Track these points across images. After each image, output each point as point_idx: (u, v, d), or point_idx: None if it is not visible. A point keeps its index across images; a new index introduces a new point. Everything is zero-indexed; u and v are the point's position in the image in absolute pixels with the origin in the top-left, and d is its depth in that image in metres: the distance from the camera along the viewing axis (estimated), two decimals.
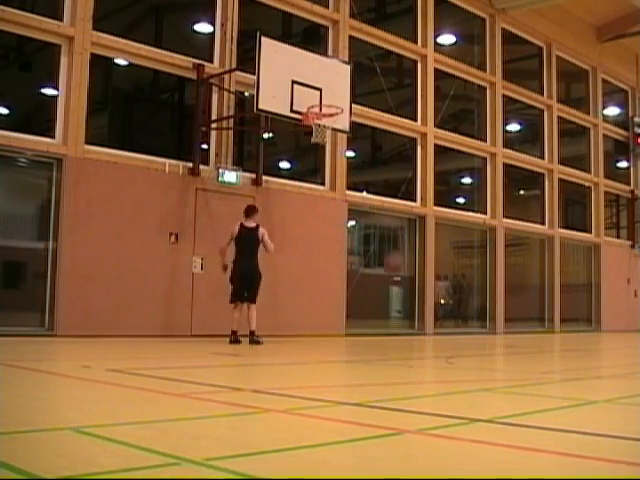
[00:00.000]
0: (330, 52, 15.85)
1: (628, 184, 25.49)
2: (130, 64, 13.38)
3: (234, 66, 14.24)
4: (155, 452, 3.09)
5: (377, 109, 17.02)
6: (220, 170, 13.68)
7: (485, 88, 20.18)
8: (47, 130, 12.25)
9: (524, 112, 22.22)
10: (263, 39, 12.24)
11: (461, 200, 20.82)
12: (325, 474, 2.90)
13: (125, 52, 13.12)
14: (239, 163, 14.29)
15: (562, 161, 22.42)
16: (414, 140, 18.13)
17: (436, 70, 18.46)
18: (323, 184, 15.88)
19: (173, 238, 13.16)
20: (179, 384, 5.89)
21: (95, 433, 3.51)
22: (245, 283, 11.68)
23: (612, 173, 24.88)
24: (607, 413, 4.98)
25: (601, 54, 23.92)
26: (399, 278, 18.48)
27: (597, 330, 23.06)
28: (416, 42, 18.16)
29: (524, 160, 21.33)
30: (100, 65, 13.01)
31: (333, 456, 3.24)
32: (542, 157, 21.98)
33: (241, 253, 11.77)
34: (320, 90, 12.67)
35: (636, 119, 25.52)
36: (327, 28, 16.24)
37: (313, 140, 12.44)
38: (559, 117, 22.43)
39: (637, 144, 25.36)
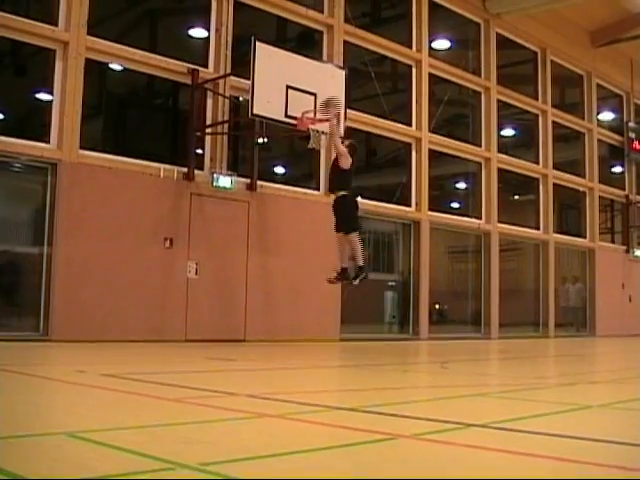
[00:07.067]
0: (325, 57, 15.87)
1: (623, 189, 25.55)
2: (125, 69, 13.38)
3: (229, 71, 14.25)
4: (149, 457, 3.09)
5: (372, 114, 17.04)
6: (215, 175, 13.68)
7: (480, 93, 20.22)
8: (42, 135, 12.23)
9: (519, 117, 22.27)
10: (258, 44, 12.25)
11: (456, 205, 20.84)
12: (320, 479, 2.89)
13: (120, 57, 13.12)
14: (234, 168, 14.29)
15: (557, 166, 22.46)
16: (409, 145, 18.16)
17: (431, 75, 18.49)
18: (318, 189, 15.87)
19: (168, 243, 13.15)
20: (173, 389, 5.88)
21: (89, 438, 3.51)
22: (335, 214, 10.74)
23: (607, 178, 24.93)
24: (602, 418, 4.98)
25: (596, 59, 23.98)
26: (394, 283, 18.49)
27: (592, 335, 23.08)
28: (411, 47, 18.19)
29: (519, 165, 21.37)
30: (95, 70, 13.01)
31: (327, 461, 3.24)
32: (537, 162, 22.02)
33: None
34: (315, 95, 12.67)
35: (630, 124, 25.59)
36: (322, 33, 16.26)
37: (310, 146, 12.39)
38: (554, 122, 22.48)
39: (632, 149, 25.42)
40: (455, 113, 20.71)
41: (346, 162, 10.45)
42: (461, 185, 21.41)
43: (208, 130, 13.98)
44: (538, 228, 21.94)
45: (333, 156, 11.01)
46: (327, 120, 12.30)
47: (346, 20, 16.48)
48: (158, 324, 12.89)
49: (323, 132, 12.41)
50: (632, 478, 3.05)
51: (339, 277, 10.82)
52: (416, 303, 17.76)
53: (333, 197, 10.72)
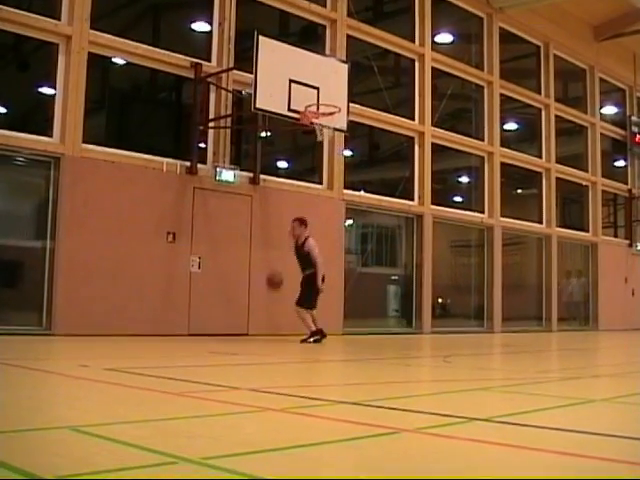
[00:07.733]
0: (328, 51, 15.85)
1: (626, 183, 25.52)
2: (128, 63, 13.37)
3: (232, 65, 14.24)
4: (152, 451, 3.09)
5: (374, 108, 17.03)
6: (218, 169, 13.67)
7: (483, 87, 20.19)
8: (45, 129, 12.23)
9: (521, 111, 22.23)
10: (261, 38, 12.24)
11: (458, 199, 20.81)
12: (323, 473, 2.89)
13: (122, 51, 13.12)
14: (237, 162, 14.29)
15: (559, 160, 22.44)
16: (412, 139, 18.14)
17: (434, 69, 18.47)
18: (321, 183, 15.88)
19: (171, 237, 13.15)
20: (176, 383, 5.88)
21: (92, 432, 3.51)
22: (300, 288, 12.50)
23: (610, 172, 24.90)
24: (605, 412, 4.98)
25: (599, 53, 23.93)
26: (397, 277, 18.49)
27: (594, 329, 23.08)
28: (414, 41, 18.16)
29: (521, 159, 21.34)
30: (98, 64, 13.00)
31: (331, 455, 3.24)
32: (540, 156, 22.00)
33: None
34: (317, 89, 12.66)
35: (634, 118, 25.54)
36: (325, 27, 16.24)
37: (319, 139, 12.71)
38: (557, 116, 22.45)
39: (634, 143, 25.38)
40: (458, 107, 20.67)
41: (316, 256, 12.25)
42: (464, 179, 21.38)
43: (211, 124, 13.97)
44: (541, 222, 21.93)
45: (295, 242, 12.45)
46: (329, 114, 12.38)
47: (349, 14, 16.46)
48: (161, 318, 12.90)
49: (328, 127, 12.47)
50: (635, 472, 3.04)
51: (313, 336, 12.21)
52: (419, 297, 17.76)
53: (302, 274, 12.41)
